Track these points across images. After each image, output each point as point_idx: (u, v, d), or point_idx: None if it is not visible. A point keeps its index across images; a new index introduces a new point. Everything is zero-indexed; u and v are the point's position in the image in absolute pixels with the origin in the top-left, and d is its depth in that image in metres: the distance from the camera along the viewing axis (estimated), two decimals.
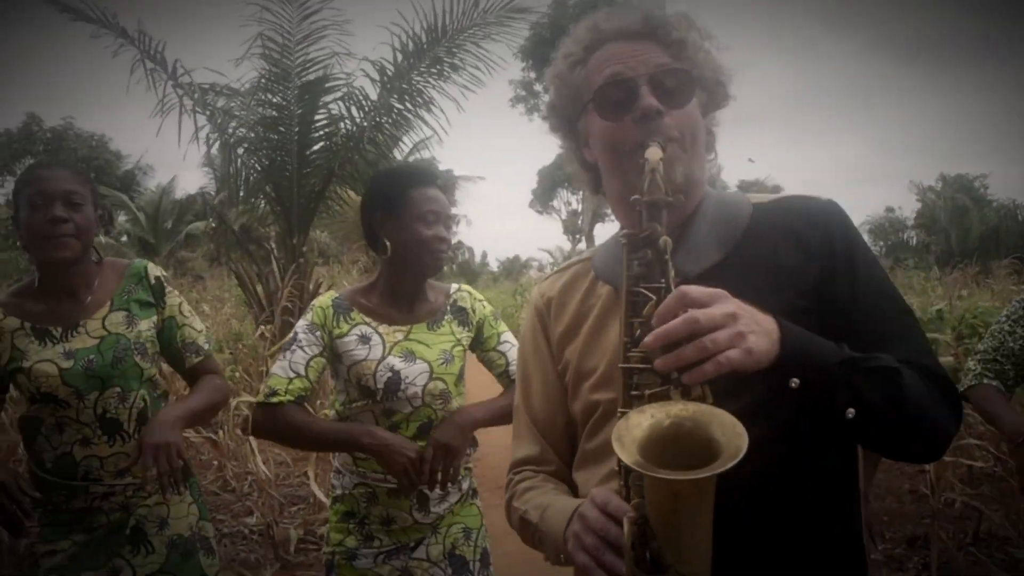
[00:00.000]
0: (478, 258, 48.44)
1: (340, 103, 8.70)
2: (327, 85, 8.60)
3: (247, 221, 11.87)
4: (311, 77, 8.49)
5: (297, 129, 8.68)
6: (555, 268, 1.70)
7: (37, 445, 2.26)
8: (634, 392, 1.19)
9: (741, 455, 1.02)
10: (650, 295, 1.19)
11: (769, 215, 1.44)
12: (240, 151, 8.92)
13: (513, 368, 2.52)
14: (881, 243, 35.96)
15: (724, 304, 1.12)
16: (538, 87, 41.31)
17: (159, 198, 25.85)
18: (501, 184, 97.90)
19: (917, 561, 4.51)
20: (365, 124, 8.73)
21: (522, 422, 1.63)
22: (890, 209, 38.61)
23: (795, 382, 1.16)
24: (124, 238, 25.70)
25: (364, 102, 8.64)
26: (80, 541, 2.24)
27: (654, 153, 1.26)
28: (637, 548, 1.13)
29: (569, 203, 45.71)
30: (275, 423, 2.31)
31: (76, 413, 2.22)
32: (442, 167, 33.58)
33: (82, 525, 2.24)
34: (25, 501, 2.10)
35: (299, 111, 8.60)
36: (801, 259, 1.37)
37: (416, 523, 2.35)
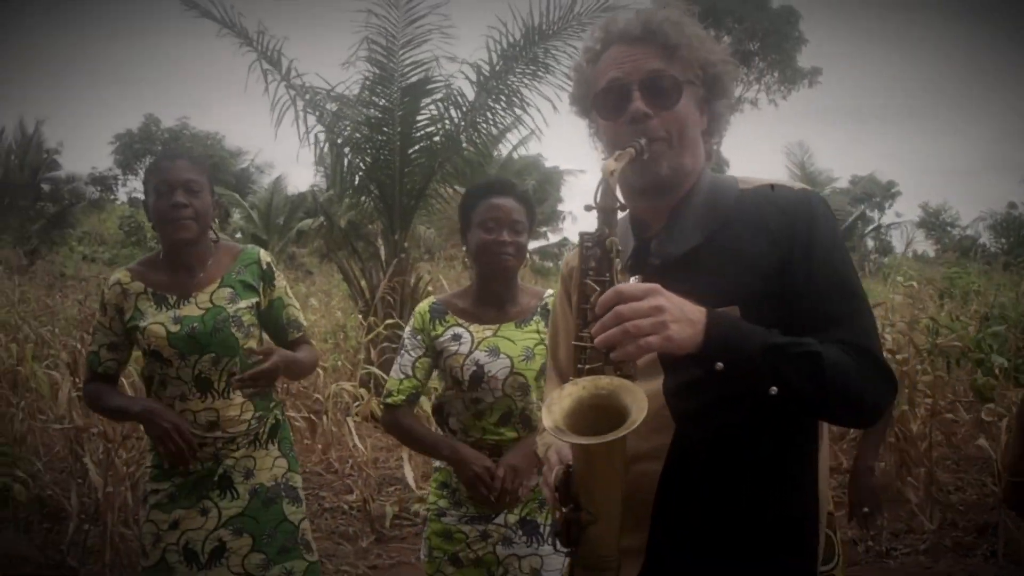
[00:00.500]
0: None
1: (439, 104, 9.00)
2: (428, 87, 8.91)
3: (353, 217, 12.32)
4: (413, 80, 8.82)
5: (399, 129, 9.01)
6: None
7: (151, 398, 2.63)
8: (583, 366, 1.41)
9: (635, 426, 1.27)
10: (596, 287, 1.41)
11: (750, 202, 1.60)
12: (347, 151, 9.31)
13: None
14: (1003, 240, 34.73)
15: (653, 298, 1.33)
16: None
17: (271, 196, 26.51)
18: None
19: (985, 548, 4.61)
20: (463, 124, 9.03)
21: (551, 372, 1.88)
22: (1012, 205, 37.21)
23: (719, 365, 1.37)
24: (238, 235, 26.55)
25: (462, 103, 8.93)
26: (177, 483, 2.59)
27: (607, 166, 1.45)
28: (561, 489, 1.44)
29: None
30: (391, 421, 2.74)
31: (176, 371, 2.58)
32: (547, 163, 33.67)
33: (179, 470, 2.58)
34: (193, 441, 2.51)
35: (401, 112, 8.94)
36: (766, 246, 1.53)
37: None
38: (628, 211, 1.55)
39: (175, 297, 2.63)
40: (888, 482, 4.09)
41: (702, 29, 1.64)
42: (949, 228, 35.78)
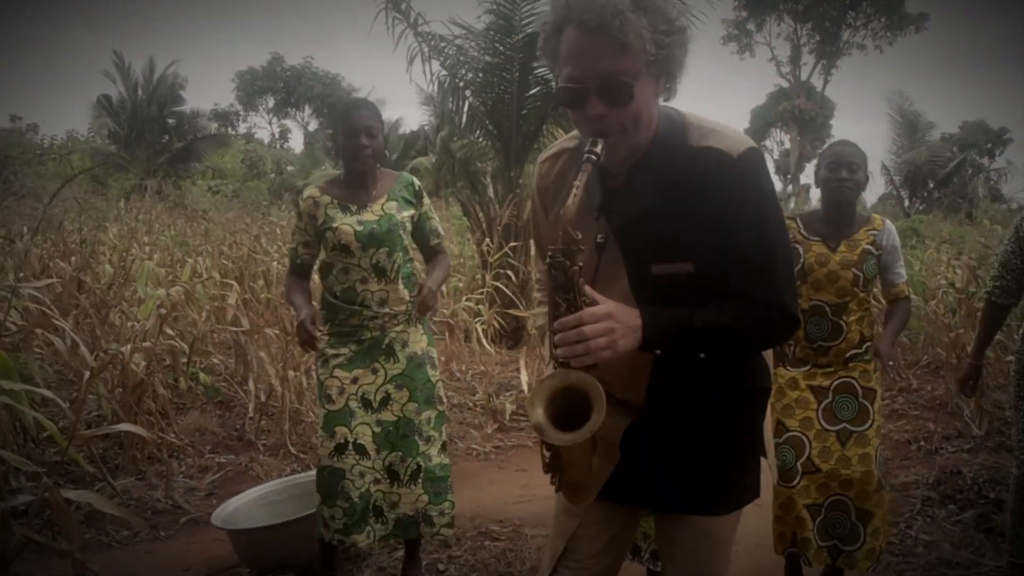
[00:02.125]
0: None
1: None
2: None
3: (466, 155, 13.08)
4: (531, 30, 9.49)
5: (518, 75, 9.70)
6: (550, 150, 2.06)
7: (328, 281, 3.49)
8: (553, 355, 1.77)
9: (596, 427, 1.66)
10: (563, 303, 1.73)
11: (700, 164, 1.80)
12: (468, 93, 10.08)
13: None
14: None
15: (607, 322, 1.68)
16: (750, 26, 40.66)
17: (387, 134, 27.09)
18: None
19: None
20: None
21: (535, 254, 2.45)
22: None
23: (658, 351, 1.81)
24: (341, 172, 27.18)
25: None
26: (354, 349, 3.45)
27: (567, 212, 1.66)
28: (546, 457, 1.84)
29: (782, 143, 44.56)
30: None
31: (358, 261, 3.41)
32: None
33: (355, 337, 3.45)
34: (315, 330, 3.36)
35: (520, 58, 9.63)
36: (714, 209, 1.78)
37: None
38: (566, 238, 1.73)
39: (355, 206, 3.45)
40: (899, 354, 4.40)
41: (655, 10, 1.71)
42: None
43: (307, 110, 41.04)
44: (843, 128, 72.62)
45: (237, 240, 10.33)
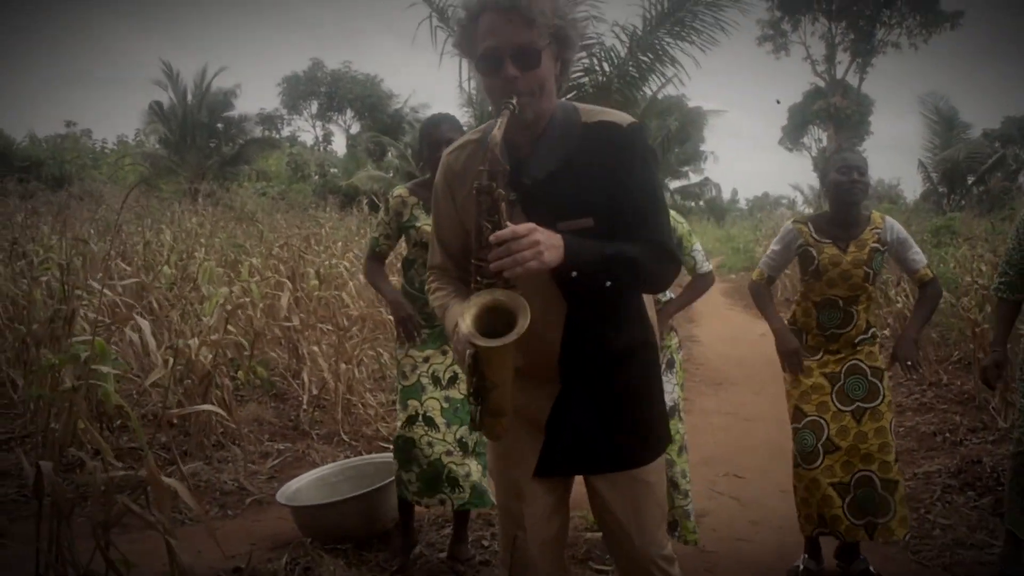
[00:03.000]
0: (727, 195, 47.92)
1: (592, 58, 9.98)
2: (582, 43, 9.85)
3: None
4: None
5: None
6: (457, 143, 2.33)
7: (410, 275, 3.84)
8: (481, 280, 1.98)
9: (521, 332, 1.87)
10: (489, 225, 1.95)
11: (593, 135, 2.14)
12: None
13: (701, 267, 3.99)
14: None
15: (533, 235, 1.87)
16: (785, 26, 40.68)
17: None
18: (751, 122, 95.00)
19: None
20: (614, 75, 9.98)
21: (435, 244, 2.38)
22: None
23: (574, 273, 1.99)
24: (390, 173, 27.50)
25: (615, 59, 9.88)
26: (427, 332, 3.79)
27: (493, 139, 1.95)
28: (471, 366, 1.98)
29: (820, 140, 44.33)
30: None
31: None
32: (690, 103, 33.78)
33: (429, 324, 3.77)
34: (419, 326, 3.75)
35: None
36: (607, 172, 2.10)
37: None
38: (503, 135, 2.00)
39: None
40: (921, 349, 4.53)
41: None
42: None
43: (348, 113, 41.63)
44: (882, 125, 71.95)
45: (288, 241, 10.71)
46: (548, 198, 2.10)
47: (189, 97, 28.40)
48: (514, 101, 2.01)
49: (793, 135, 45.73)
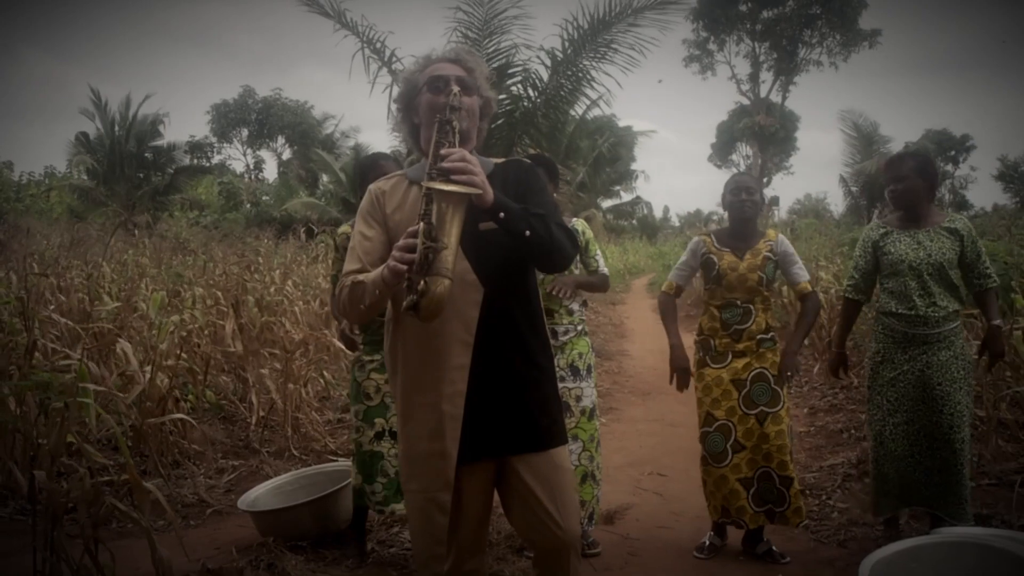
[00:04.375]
0: (659, 213, 48.55)
1: (519, 86, 10.45)
2: (509, 71, 10.34)
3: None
4: (496, 65, 10.24)
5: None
6: (383, 178, 2.74)
7: None
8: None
9: (474, 192, 2.23)
10: (445, 144, 2.36)
11: (503, 167, 2.66)
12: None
13: (601, 268, 4.54)
14: None
15: (478, 166, 2.28)
16: (711, 47, 41.85)
17: (356, 159, 26.84)
18: (680, 140, 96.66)
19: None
20: (539, 101, 10.46)
21: (356, 250, 2.58)
22: None
23: (501, 215, 2.34)
24: (322, 200, 27.56)
25: (539, 84, 10.36)
26: (383, 356, 4.13)
27: (455, 97, 2.45)
28: (424, 234, 2.22)
29: (748, 156, 45.46)
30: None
31: None
32: (621, 123, 34.45)
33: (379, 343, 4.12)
34: (355, 336, 4.12)
35: None
36: (515, 189, 2.53)
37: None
38: (452, 106, 2.45)
39: None
40: (800, 362, 5.11)
41: (486, 69, 2.68)
42: None
43: (280, 140, 41.78)
44: (808, 140, 73.88)
45: (227, 270, 10.98)
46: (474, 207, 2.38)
47: (116, 127, 28.25)
48: (456, 104, 2.43)
49: (722, 152, 46.59)
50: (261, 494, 4.67)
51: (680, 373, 4.42)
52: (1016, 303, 6.36)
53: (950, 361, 4.10)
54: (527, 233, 2.37)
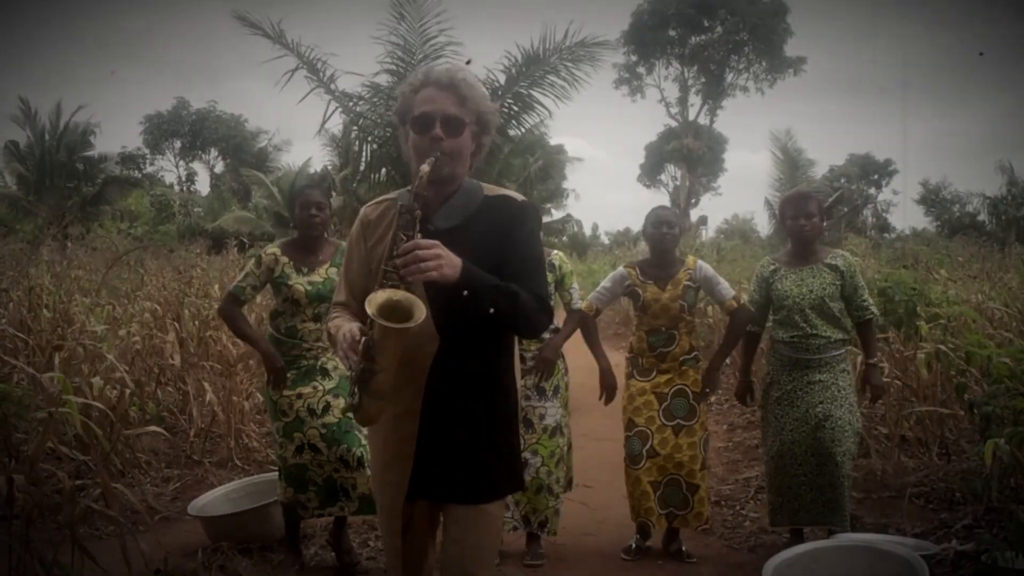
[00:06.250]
0: (588, 231, 48.60)
1: None
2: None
3: (370, 196, 14.00)
4: None
5: None
6: (375, 200, 2.69)
7: (276, 323, 4.43)
8: (387, 282, 2.29)
9: (418, 322, 2.20)
10: (404, 237, 2.27)
11: (492, 204, 2.55)
12: (375, 146, 11.11)
13: (575, 303, 4.84)
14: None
15: (437, 249, 2.22)
16: (640, 70, 42.69)
17: (294, 175, 26.88)
18: (611, 159, 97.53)
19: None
20: None
21: (343, 283, 2.68)
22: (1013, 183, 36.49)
23: (465, 293, 2.28)
24: (254, 214, 27.37)
25: None
26: (295, 373, 4.38)
27: (424, 168, 2.32)
28: (363, 352, 2.27)
29: (676, 177, 46.08)
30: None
31: (303, 310, 4.37)
32: (552, 142, 34.85)
33: (295, 365, 4.38)
34: (285, 377, 4.33)
35: None
36: (498, 236, 2.48)
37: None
38: (416, 192, 2.34)
39: (306, 268, 4.40)
40: (720, 380, 5.51)
41: (483, 89, 2.55)
42: (949, 205, 35.27)
43: (213, 152, 41.58)
44: (736, 162, 75.31)
45: (164, 284, 11.07)
46: (448, 247, 2.29)
47: (46, 136, 27.94)
48: (437, 154, 2.37)
49: (651, 173, 46.97)
50: (210, 501, 4.93)
51: (609, 392, 4.85)
52: (921, 329, 6.82)
53: (829, 380, 4.51)
54: (491, 311, 2.35)
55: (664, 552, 4.85)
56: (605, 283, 4.94)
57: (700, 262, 4.85)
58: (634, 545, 4.88)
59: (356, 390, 2.36)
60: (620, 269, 4.95)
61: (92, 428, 3.61)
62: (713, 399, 9.03)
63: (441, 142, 2.41)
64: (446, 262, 2.24)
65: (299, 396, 4.35)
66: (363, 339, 2.28)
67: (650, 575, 4.64)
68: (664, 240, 4.73)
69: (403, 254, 2.23)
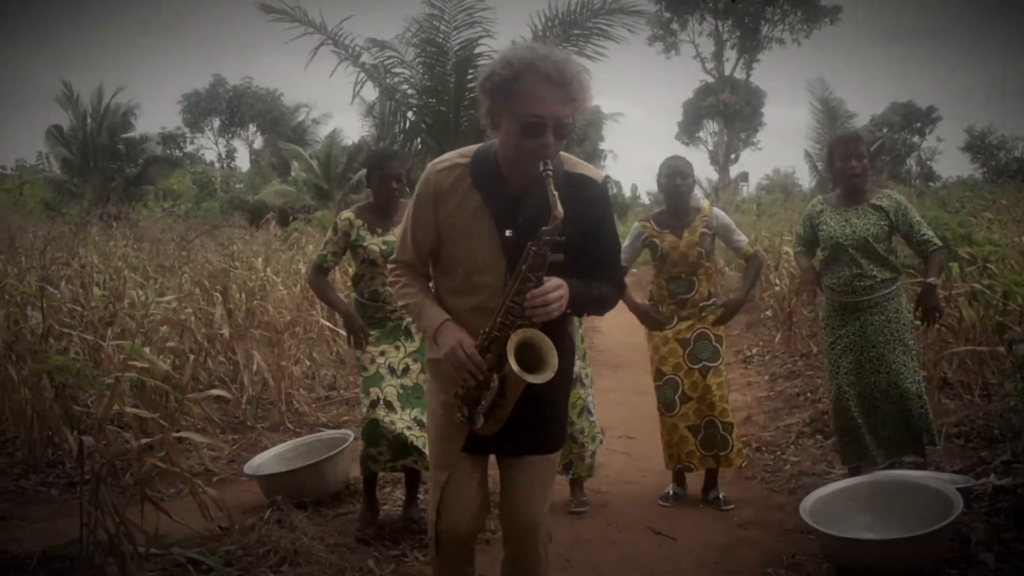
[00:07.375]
0: (628, 192, 48.20)
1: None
2: (477, 63, 10.68)
3: (408, 166, 14.10)
4: (465, 54, 10.61)
5: (454, 93, 10.80)
6: (446, 163, 2.60)
7: (360, 287, 4.55)
8: (507, 317, 2.42)
9: (554, 371, 2.38)
10: (533, 279, 2.36)
11: (573, 185, 2.53)
12: (410, 114, 11.23)
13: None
14: None
15: (560, 290, 2.37)
16: (674, 26, 42.26)
17: (329, 147, 27.14)
18: (648, 119, 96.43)
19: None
20: None
21: (408, 243, 2.69)
22: None
23: (568, 311, 2.46)
24: (294, 188, 27.69)
25: None
26: (379, 332, 4.51)
27: (558, 213, 2.30)
28: (497, 390, 2.46)
29: (714, 134, 45.64)
30: None
31: (382, 270, 4.41)
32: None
33: (380, 326, 4.51)
34: (367, 334, 4.45)
35: (453, 80, 10.74)
36: (579, 221, 2.45)
37: None
38: (502, 171, 2.49)
39: (381, 229, 4.49)
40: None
41: (588, 78, 2.42)
42: (996, 151, 34.31)
43: (251, 128, 41.92)
44: (775, 115, 74.24)
45: (208, 258, 11.31)
46: (533, 234, 2.37)
47: (88, 119, 28.36)
48: (548, 166, 2.35)
49: (688, 130, 46.51)
50: (264, 461, 5.13)
51: (654, 323, 4.88)
52: (952, 270, 6.85)
53: (883, 325, 4.56)
54: (585, 315, 2.67)
55: (702, 499, 4.98)
56: (626, 242, 4.98)
57: (715, 209, 4.95)
58: (672, 492, 5.02)
59: (476, 411, 2.54)
60: (636, 224, 5.07)
61: (161, 387, 3.75)
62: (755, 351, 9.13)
63: (550, 148, 2.40)
64: (563, 300, 2.40)
65: (382, 353, 4.45)
66: (495, 378, 2.45)
67: (691, 519, 4.77)
68: (678, 190, 4.85)
69: (532, 297, 2.35)
